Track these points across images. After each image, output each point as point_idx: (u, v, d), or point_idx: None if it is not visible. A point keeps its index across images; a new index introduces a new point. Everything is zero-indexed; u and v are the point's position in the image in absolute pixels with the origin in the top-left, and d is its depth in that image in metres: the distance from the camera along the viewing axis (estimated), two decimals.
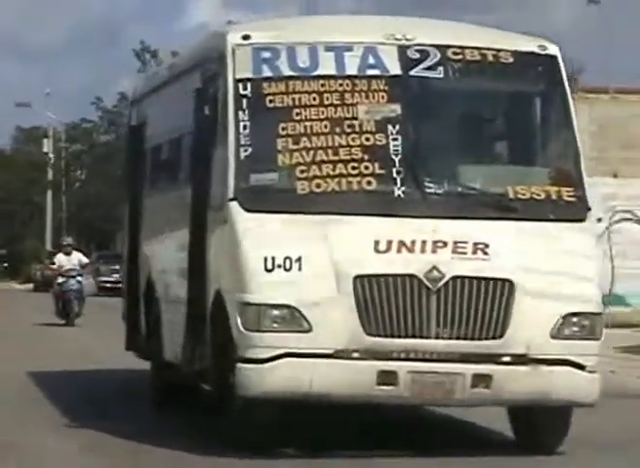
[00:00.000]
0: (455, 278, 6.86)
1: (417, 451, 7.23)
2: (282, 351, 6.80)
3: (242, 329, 6.87)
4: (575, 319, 7.06)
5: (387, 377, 6.81)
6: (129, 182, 11.91)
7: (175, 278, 8.99)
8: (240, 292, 6.96)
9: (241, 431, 7.14)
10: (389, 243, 6.92)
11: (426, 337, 6.84)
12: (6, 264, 58.39)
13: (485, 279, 6.92)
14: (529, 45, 7.86)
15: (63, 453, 7.61)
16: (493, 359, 6.93)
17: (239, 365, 6.91)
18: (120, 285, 21.57)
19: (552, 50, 7.84)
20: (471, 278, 6.91)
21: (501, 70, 7.69)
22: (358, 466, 7.36)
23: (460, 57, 7.55)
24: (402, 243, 6.92)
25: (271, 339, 6.87)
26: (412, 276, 6.83)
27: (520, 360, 6.95)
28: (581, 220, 7.46)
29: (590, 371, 7.11)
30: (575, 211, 7.45)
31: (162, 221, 9.79)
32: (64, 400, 10.44)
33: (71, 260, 23.91)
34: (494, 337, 6.89)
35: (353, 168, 7.20)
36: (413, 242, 6.92)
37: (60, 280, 23.73)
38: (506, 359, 6.94)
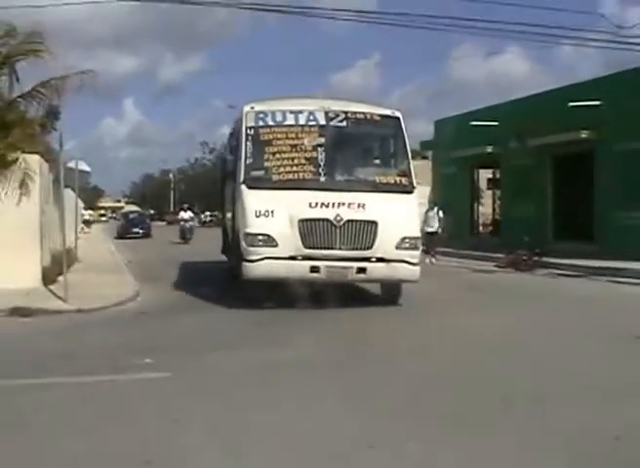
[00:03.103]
0: (348, 220, 13.41)
1: (342, 304, 13.26)
2: (263, 256, 13.43)
3: (244, 245, 13.67)
4: (406, 239, 13.71)
5: (314, 269, 13.38)
6: (220, 180, 22.23)
7: (230, 222, 16.63)
8: (244, 228, 13.76)
9: (246, 294, 14.07)
10: (317, 203, 13.50)
11: (333, 249, 13.38)
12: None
13: (363, 221, 13.48)
14: (386, 111, 15.22)
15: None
16: (367, 259, 13.53)
17: (244, 263, 13.67)
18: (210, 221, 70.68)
19: (397, 114, 15.13)
20: (356, 220, 13.45)
21: (372, 123, 15.04)
22: (308, 313, 12.73)
23: (353, 116, 14.84)
24: (323, 203, 13.49)
25: (258, 250, 13.48)
26: (327, 219, 13.38)
27: (380, 260, 13.53)
28: (410, 192, 14.34)
29: (415, 265, 13.85)
30: (407, 188, 14.35)
31: (229, 199, 17.32)
32: (178, 273, 20.60)
33: (187, 213, 43.29)
34: (367, 248, 13.48)
35: (301, 168, 14.05)
36: (328, 203, 13.48)
37: (182, 222, 42.43)
38: (374, 259, 13.54)
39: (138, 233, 49.48)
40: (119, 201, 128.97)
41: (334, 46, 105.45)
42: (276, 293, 13.35)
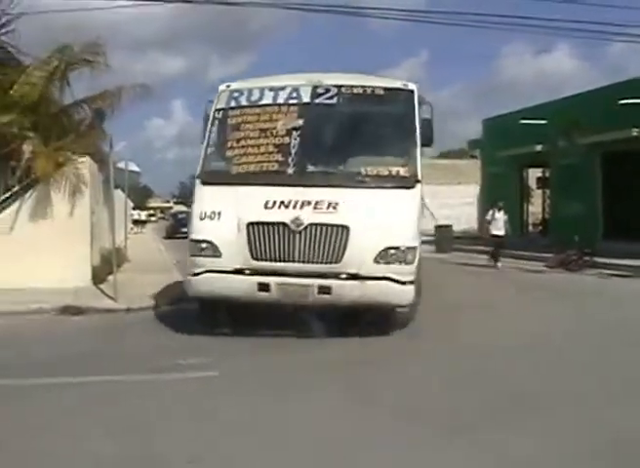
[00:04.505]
0: (311, 224, 10.33)
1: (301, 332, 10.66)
2: (205, 269, 10.62)
3: (189, 255, 10.96)
4: (392, 251, 10.39)
5: (263, 286, 10.37)
6: None
7: None
8: (190, 233, 11.13)
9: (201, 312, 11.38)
10: (274, 202, 10.52)
11: (290, 261, 10.32)
12: None
13: (330, 225, 10.34)
14: (395, 83, 12.13)
15: None
16: (333, 276, 10.29)
17: (187, 276, 11.09)
18: None
19: (411, 86, 11.93)
20: (321, 224, 10.34)
21: (373, 99, 11.81)
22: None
23: (348, 91, 11.77)
24: (282, 202, 10.51)
25: (200, 261, 10.69)
26: (283, 223, 10.35)
27: (353, 277, 10.28)
28: (411, 188, 10.98)
29: (404, 283, 10.40)
30: (405, 182, 10.98)
31: None
32: None
33: None
34: (333, 261, 10.30)
35: (267, 158, 11.21)
36: (289, 202, 10.49)
37: None
38: (343, 276, 10.28)
39: (186, 233, 49.58)
40: (168, 201, 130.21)
41: (381, 45, 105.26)
42: (243, 314, 11.04)
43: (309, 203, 10.46)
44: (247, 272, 10.42)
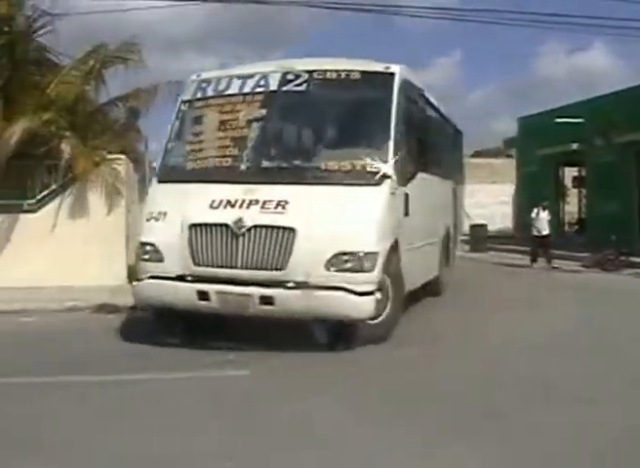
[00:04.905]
0: (254, 226, 9.18)
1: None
2: (149, 274, 9.81)
3: (136, 258, 10.24)
4: (346, 256, 9.08)
5: (203, 295, 9.36)
6: None
7: None
8: (139, 235, 10.23)
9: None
10: (221, 201, 9.51)
11: (232, 268, 9.23)
12: None
13: (273, 227, 9.17)
14: (375, 67, 10.65)
15: None
16: (277, 284, 9.09)
17: (134, 282, 10.28)
18: None
19: (393, 69, 10.54)
20: (266, 226, 9.18)
21: (347, 84, 10.38)
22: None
23: (320, 76, 10.42)
24: (229, 201, 9.47)
25: (144, 266, 9.89)
26: (225, 224, 9.28)
27: (300, 286, 9.04)
28: (377, 184, 9.62)
29: (362, 295, 9.07)
30: (371, 178, 9.61)
31: None
32: None
33: None
34: (277, 268, 9.10)
35: (222, 152, 10.22)
36: (236, 200, 9.45)
37: None
38: (290, 285, 9.06)
39: None
40: None
41: (413, 43, 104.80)
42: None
43: (257, 202, 9.37)
44: (189, 279, 9.47)
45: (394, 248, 9.93)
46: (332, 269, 9.07)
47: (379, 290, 9.40)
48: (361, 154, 9.91)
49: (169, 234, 9.60)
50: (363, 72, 10.41)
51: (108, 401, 7.17)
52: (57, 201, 16.10)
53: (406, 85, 10.78)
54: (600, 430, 6.25)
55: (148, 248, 9.80)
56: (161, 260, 9.67)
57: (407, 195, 10.44)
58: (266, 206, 9.32)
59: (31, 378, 7.91)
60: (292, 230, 9.11)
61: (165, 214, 9.85)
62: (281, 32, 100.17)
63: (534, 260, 23.03)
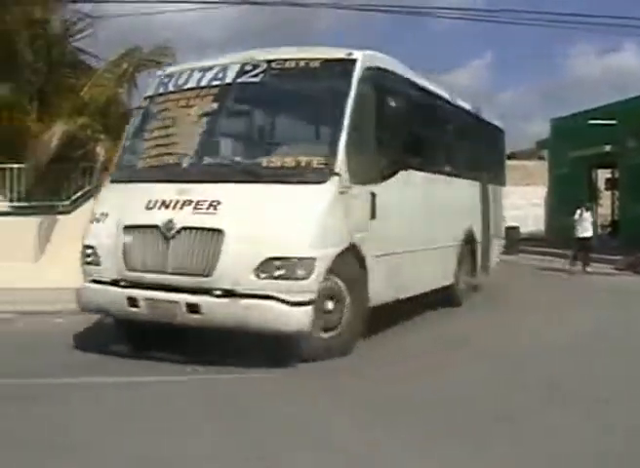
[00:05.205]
0: (183, 228, 8.41)
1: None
2: (90, 279, 9.21)
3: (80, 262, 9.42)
4: (277, 262, 8.05)
5: (133, 302, 8.64)
6: None
7: None
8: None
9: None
10: (156, 202, 8.78)
11: (162, 273, 8.45)
12: None
13: (202, 229, 8.35)
14: (337, 53, 9.55)
15: None
16: (203, 292, 8.21)
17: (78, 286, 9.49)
18: None
19: (355, 55, 9.41)
20: (193, 228, 8.39)
21: (307, 73, 9.36)
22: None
23: (279, 66, 9.48)
24: (163, 202, 8.73)
25: (86, 270, 9.27)
26: (155, 226, 8.57)
27: (228, 294, 8.12)
28: (321, 182, 8.56)
29: (295, 305, 8.05)
30: (315, 175, 8.58)
31: None
32: None
33: None
34: (205, 275, 8.21)
35: (168, 150, 9.52)
36: (170, 201, 8.68)
37: None
38: (217, 292, 8.14)
39: None
40: None
41: (444, 45, 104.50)
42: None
43: (191, 202, 8.60)
44: (122, 284, 8.83)
45: (351, 254, 8.98)
46: (262, 276, 8.08)
47: (330, 299, 8.74)
48: (309, 149, 9.12)
49: (106, 236, 9.04)
50: (323, 60, 9.44)
51: (122, 402, 7.12)
52: (90, 202, 16.26)
53: (376, 73, 9.70)
54: (615, 431, 6.20)
55: (89, 250, 9.24)
56: (98, 264, 9.11)
57: (373, 195, 9.37)
58: (199, 206, 8.52)
59: (54, 380, 7.85)
60: (220, 232, 8.25)
61: (107, 215, 9.28)
62: (312, 34, 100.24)
63: (574, 263, 22.23)
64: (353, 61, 9.35)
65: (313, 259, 8.21)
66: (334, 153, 8.72)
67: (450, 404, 6.97)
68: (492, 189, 15.78)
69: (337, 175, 8.61)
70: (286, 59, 9.51)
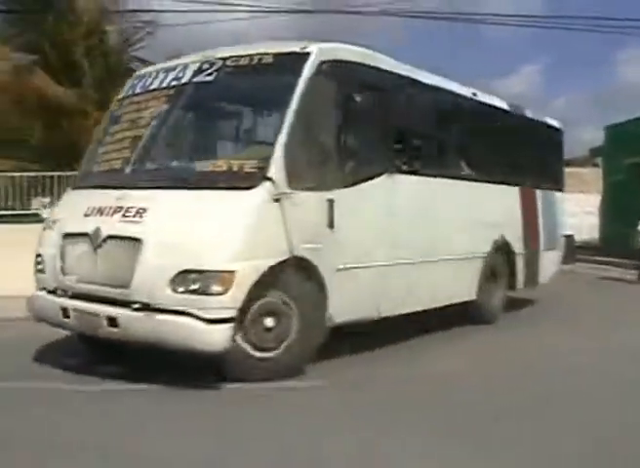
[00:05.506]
0: (108, 237, 8.09)
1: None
2: (41, 287, 8.96)
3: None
4: (192, 275, 7.46)
5: (65, 312, 8.40)
6: None
7: None
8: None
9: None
10: (94, 209, 8.48)
11: (92, 283, 8.16)
12: None
13: (122, 237, 7.98)
14: (293, 47, 8.84)
15: None
16: (122, 304, 7.80)
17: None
18: None
19: (310, 49, 8.70)
20: (116, 237, 8.04)
21: (259, 70, 8.75)
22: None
23: (233, 63, 8.93)
24: (100, 209, 8.41)
25: (37, 278, 9.06)
26: (86, 234, 8.29)
27: (144, 307, 7.63)
28: (251, 187, 7.85)
29: (211, 322, 7.42)
30: (245, 180, 7.91)
31: None
32: None
33: None
34: (123, 286, 7.77)
35: (119, 155, 9.16)
36: (105, 208, 8.36)
37: None
38: (135, 305, 7.67)
39: None
40: None
41: (496, 51, 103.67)
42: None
43: (121, 209, 8.20)
44: (58, 293, 8.65)
45: (298, 266, 8.27)
46: (178, 290, 7.52)
47: (269, 316, 8.14)
48: (249, 152, 8.83)
49: (51, 244, 8.83)
50: (276, 55, 8.77)
51: (171, 411, 7.10)
52: None
53: (337, 67, 8.91)
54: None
55: (38, 258, 9.05)
56: (43, 272, 8.91)
57: (331, 202, 8.58)
58: (127, 214, 8.11)
59: (59, 384, 7.94)
60: (138, 241, 7.80)
61: (55, 222, 9.05)
62: (361, 41, 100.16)
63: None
64: (306, 55, 8.64)
65: (232, 273, 7.51)
66: (268, 156, 8.04)
67: None
68: (542, 195, 14.67)
69: (269, 180, 7.90)
70: (240, 56, 8.94)
